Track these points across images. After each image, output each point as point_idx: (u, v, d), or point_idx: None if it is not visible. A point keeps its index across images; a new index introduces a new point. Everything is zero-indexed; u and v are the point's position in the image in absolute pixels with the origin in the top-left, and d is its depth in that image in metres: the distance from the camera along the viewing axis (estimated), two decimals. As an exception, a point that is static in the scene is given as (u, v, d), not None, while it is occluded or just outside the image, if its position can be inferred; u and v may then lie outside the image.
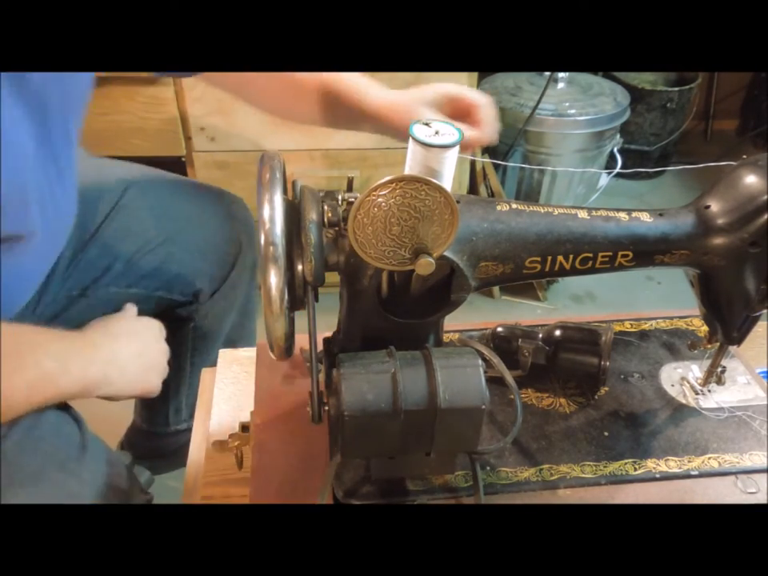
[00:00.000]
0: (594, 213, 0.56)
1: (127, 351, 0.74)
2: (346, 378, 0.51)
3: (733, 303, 0.60)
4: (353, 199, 0.50)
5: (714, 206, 0.57)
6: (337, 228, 0.51)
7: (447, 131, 0.48)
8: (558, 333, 0.70)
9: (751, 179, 0.56)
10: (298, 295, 0.51)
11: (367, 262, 0.49)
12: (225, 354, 0.85)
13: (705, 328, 0.71)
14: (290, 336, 0.51)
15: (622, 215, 0.57)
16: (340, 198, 0.51)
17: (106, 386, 0.70)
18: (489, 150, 2.01)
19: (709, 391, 0.71)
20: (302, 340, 0.65)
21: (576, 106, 1.88)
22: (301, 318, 0.54)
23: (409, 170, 0.50)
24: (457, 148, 0.48)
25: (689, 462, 0.63)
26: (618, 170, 1.94)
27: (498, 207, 0.55)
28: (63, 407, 0.71)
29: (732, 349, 0.72)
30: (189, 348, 1.07)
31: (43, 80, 0.61)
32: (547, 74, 1.90)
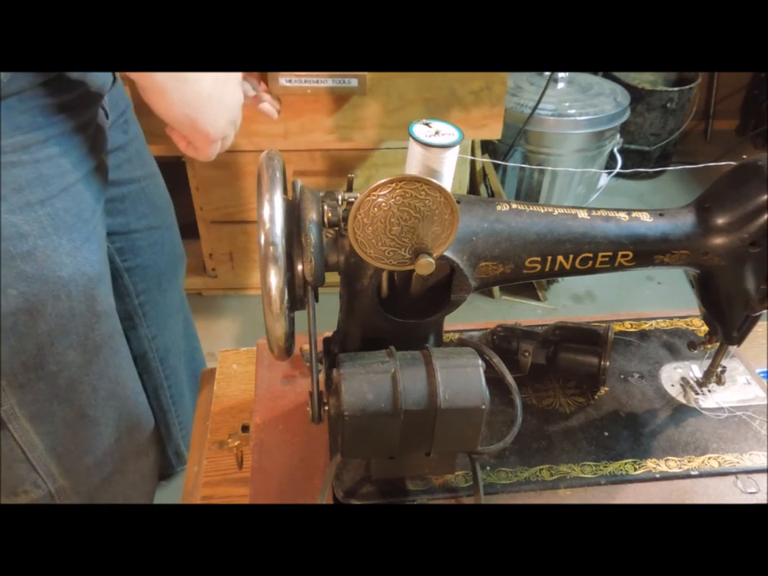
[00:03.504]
0: (593, 213, 0.56)
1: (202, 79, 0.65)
2: (346, 378, 0.51)
3: (733, 303, 0.60)
4: (353, 199, 0.50)
5: (714, 206, 0.57)
6: (337, 228, 0.51)
7: (447, 131, 0.48)
8: (557, 333, 0.70)
9: (751, 179, 0.56)
10: (298, 295, 0.51)
11: (367, 262, 0.49)
12: (225, 354, 0.85)
13: (705, 328, 0.71)
14: (290, 336, 0.51)
15: (622, 215, 0.57)
16: (340, 198, 0.51)
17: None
18: (489, 150, 2.02)
19: (709, 391, 0.71)
20: (301, 340, 0.65)
21: (576, 106, 1.88)
22: (301, 318, 0.54)
23: (409, 169, 0.50)
24: (457, 148, 0.48)
25: (689, 461, 0.63)
26: (618, 170, 1.94)
27: (498, 207, 0.55)
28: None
29: (732, 349, 0.72)
30: (163, 386, 1.08)
31: None
32: (547, 74, 1.90)
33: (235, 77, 0.70)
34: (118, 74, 0.82)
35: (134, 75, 0.61)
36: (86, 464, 0.83)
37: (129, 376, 0.86)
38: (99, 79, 0.69)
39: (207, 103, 0.65)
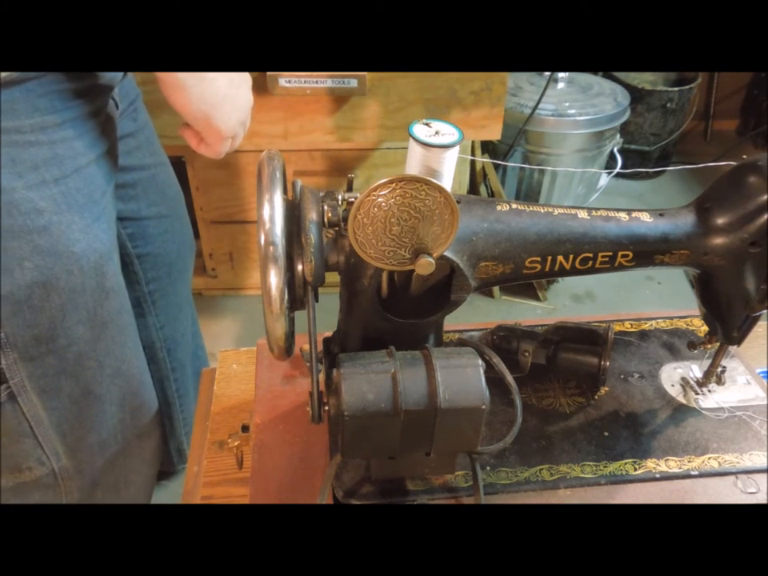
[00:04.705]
0: (593, 213, 0.56)
1: (216, 78, 0.69)
2: (346, 378, 0.51)
3: (733, 303, 0.60)
4: (353, 199, 0.50)
5: (714, 206, 0.57)
6: (337, 228, 0.51)
7: (447, 131, 0.48)
8: (558, 333, 0.70)
9: (751, 179, 0.56)
10: (298, 295, 0.51)
11: (367, 262, 0.49)
12: (225, 354, 0.85)
13: (705, 328, 0.71)
14: (289, 336, 0.51)
15: (622, 215, 0.57)
16: (340, 198, 0.51)
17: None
18: (489, 150, 2.01)
19: (709, 391, 0.71)
20: (301, 340, 0.65)
21: (576, 106, 1.88)
22: (301, 318, 0.54)
23: (409, 169, 0.50)
24: (457, 148, 0.48)
25: (689, 461, 0.63)
26: (618, 169, 1.94)
27: (498, 207, 0.55)
28: None
29: (732, 349, 0.72)
30: (169, 378, 1.08)
31: None
32: (547, 74, 1.90)
33: (247, 81, 0.73)
34: None
35: (158, 72, 0.64)
36: (90, 443, 0.84)
37: (134, 355, 0.88)
38: (109, 72, 0.72)
39: (222, 102, 0.69)
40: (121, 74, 0.76)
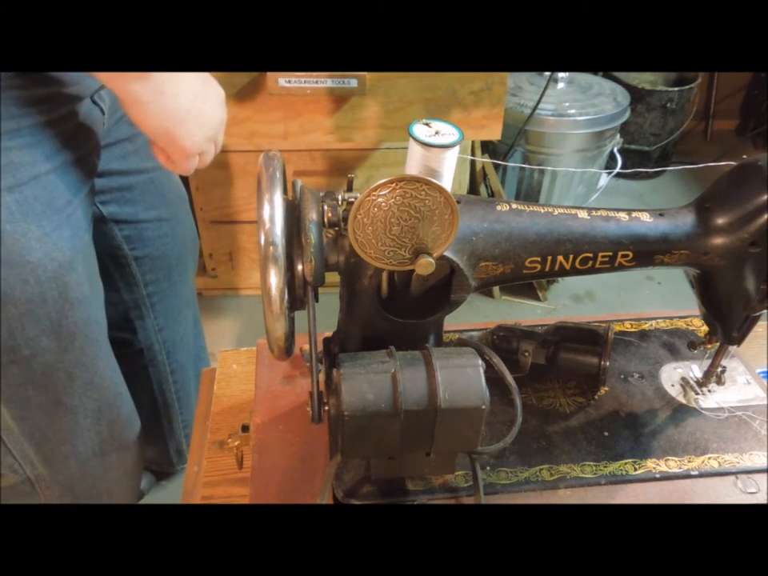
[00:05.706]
0: (593, 213, 0.56)
1: (185, 83, 0.65)
2: (346, 378, 0.51)
3: (733, 303, 0.60)
4: (353, 199, 0.50)
5: (714, 206, 0.57)
6: (337, 228, 0.51)
7: (447, 131, 0.48)
8: (558, 333, 0.70)
9: (751, 179, 0.56)
10: (298, 295, 0.51)
11: (367, 262, 0.49)
12: (225, 354, 0.85)
13: (705, 328, 0.71)
14: (289, 336, 0.51)
15: (622, 215, 0.57)
16: (340, 198, 0.51)
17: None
18: (489, 150, 2.02)
19: (709, 391, 0.71)
20: (301, 340, 0.65)
21: (576, 106, 1.88)
22: (301, 318, 0.54)
23: (409, 169, 0.50)
24: (457, 148, 0.48)
25: (689, 461, 0.63)
26: (618, 169, 1.94)
27: (498, 207, 0.55)
28: None
29: (732, 349, 0.72)
30: (168, 380, 1.08)
31: None
32: (547, 74, 1.90)
33: (217, 94, 0.70)
34: None
35: (112, 86, 0.61)
36: (65, 453, 0.83)
37: (107, 366, 0.86)
38: (81, 81, 0.70)
39: (185, 118, 0.65)
40: (94, 86, 0.73)
